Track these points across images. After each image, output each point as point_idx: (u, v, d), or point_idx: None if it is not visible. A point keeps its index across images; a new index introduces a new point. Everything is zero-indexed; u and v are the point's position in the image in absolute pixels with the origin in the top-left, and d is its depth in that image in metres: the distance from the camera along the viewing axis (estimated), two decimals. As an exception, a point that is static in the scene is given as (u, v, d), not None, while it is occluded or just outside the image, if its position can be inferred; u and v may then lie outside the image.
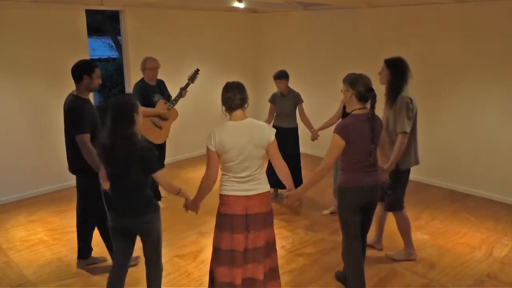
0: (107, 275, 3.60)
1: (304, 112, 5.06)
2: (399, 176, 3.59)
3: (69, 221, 4.70)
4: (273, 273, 2.93)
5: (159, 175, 2.75)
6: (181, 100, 4.68)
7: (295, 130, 5.09)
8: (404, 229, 3.78)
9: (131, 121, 2.68)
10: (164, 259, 3.79)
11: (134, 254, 3.79)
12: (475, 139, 5.36)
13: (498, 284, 3.51)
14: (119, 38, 11.39)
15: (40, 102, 5.37)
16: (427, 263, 3.83)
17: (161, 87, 4.78)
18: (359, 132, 2.87)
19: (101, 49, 14.17)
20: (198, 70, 4.65)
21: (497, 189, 5.26)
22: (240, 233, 2.74)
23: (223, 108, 2.77)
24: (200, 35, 6.92)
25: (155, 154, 2.75)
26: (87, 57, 5.72)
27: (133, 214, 2.77)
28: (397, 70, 3.50)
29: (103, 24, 12.24)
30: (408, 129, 3.46)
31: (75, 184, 5.70)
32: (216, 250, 2.83)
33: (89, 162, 3.29)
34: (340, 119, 4.18)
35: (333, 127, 2.99)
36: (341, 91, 3.02)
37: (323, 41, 6.80)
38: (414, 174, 5.95)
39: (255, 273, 2.78)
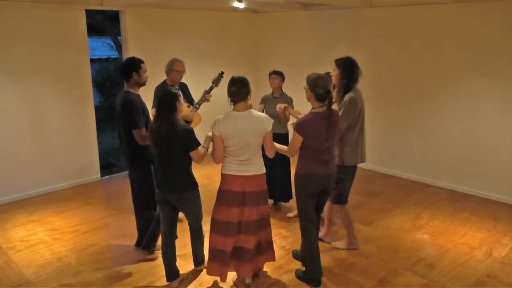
0: (107, 275, 3.62)
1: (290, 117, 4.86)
2: (344, 171, 3.70)
3: (69, 221, 4.71)
4: (268, 245, 3.40)
5: (195, 154, 3.17)
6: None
7: (285, 136, 4.70)
8: (346, 223, 3.97)
9: (173, 108, 3.12)
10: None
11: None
12: (475, 139, 5.36)
13: (498, 284, 3.51)
14: (119, 38, 11.38)
15: (41, 102, 5.37)
16: (427, 263, 3.83)
17: (183, 90, 4.62)
18: (316, 129, 3.15)
19: (101, 49, 14.13)
20: (222, 73, 4.45)
21: (497, 189, 5.26)
22: (236, 207, 3.15)
23: (229, 99, 3.11)
24: (200, 35, 6.92)
25: (194, 135, 3.18)
26: (87, 57, 5.74)
27: (176, 190, 3.23)
28: (346, 69, 3.61)
29: (103, 24, 12.22)
30: (342, 127, 3.56)
31: (74, 185, 5.78)
32: (213, 221, 3.27)
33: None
34: None
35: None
36: (303, 87, 3.24)
37: (323, 41, 6.80)
38: (414, 174, 6.01)
39: (246, 243, 3.21)
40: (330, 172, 3.30)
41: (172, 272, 3.41)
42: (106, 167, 6.76)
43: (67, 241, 4.24)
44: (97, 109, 7.41)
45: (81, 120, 5.80)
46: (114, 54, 13.86)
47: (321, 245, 3.98)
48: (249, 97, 3.13)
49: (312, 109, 3.22)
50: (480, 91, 5.24)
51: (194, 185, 3.32)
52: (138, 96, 3.63)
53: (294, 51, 7.24)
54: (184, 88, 4.70)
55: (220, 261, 3.24)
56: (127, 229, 4.46)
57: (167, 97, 3.15)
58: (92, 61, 6.26)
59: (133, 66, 3.56)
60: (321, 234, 4.11)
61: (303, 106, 5.60)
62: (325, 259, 3.84)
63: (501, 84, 5.06)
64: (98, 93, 11.90)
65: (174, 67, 4.41)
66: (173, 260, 3.43)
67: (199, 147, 3.20)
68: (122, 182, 6.00)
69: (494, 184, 5.28)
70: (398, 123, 6.11)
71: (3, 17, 4.94)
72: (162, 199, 3.33)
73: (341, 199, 3.82)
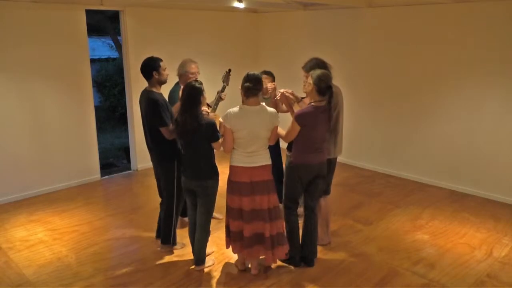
0: (107, 275, 3.62)
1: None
2: (329, 162, 3.81)
3: (69, 221, 4.71)
4: (280, 238, 3.49)
5: (216, 144, 3.43)
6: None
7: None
8: (327, 215, 4.09)
9: (198, 102, 3.36)
10: (163, 260, 3.83)
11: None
12: (475, 138, 5.36)
13: (498, 284, 3.51)
14: (119, 38, 11.37)
15: (40, 102, 5.37)
16: (427, 263, 3.83)
17: None
18: (315, 121, 3.36)
19: (101, 49, 14.09)
20: (230, 70, 4.31)
21: (497, 189, 5.26)
22: (247, 196, 3.36)
23: (242, 92, 3.31)
24: (200, 35, 6.92)
25: (217, 128, 3.41)
26: (87, 57, 5.73)
27: (200, 177, 3.47)
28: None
29: (103, 24, 12.21)
30: None
31: (74, 185, 5.78)
32: (229, 208, 3.50)
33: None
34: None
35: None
36: (304, 81, 3.49)
37: (323, 41, 6.80)
38: (414, 174, 6.01)
39: (263, 229, 3.39)
40: (322, 161, 3.55)
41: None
42: (106, 167, 6.76)
43: (67, 241, 4.24)
44: (97, 109, 7.42)
45: (81, 120, 5.80)
46: (114, 54, 13.83)
47: (321, 245, 4.02)
48: (260, 93, 3.35)
49: (312, 102, 3.41)
50: (480, 91, 5.24)
51: (216, 173, 3.54)
52: (161, 94, 3.72)
53: (294, 51, 7.24)
54: None
55: (241, 242, 3.46)
56: (127, 229, 4.47)
57: (192, 92, 3.35)
58: (92, 61, 6.26)
59: (153, 66, 3.67)
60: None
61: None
62: (325, 259, 3.85)
63: (501, 84, 5.06)
64: (98, 93, 11.90)
65: (188, 69, 4.20)
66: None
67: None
68: (122, 182, 6.01)
69: (494, 184, 5.28)
70: (398, 123, 6.10)
71: (3, 17, 4.94)
72: (186, 186, 3.56)
73: (326, 190, 4.00)
